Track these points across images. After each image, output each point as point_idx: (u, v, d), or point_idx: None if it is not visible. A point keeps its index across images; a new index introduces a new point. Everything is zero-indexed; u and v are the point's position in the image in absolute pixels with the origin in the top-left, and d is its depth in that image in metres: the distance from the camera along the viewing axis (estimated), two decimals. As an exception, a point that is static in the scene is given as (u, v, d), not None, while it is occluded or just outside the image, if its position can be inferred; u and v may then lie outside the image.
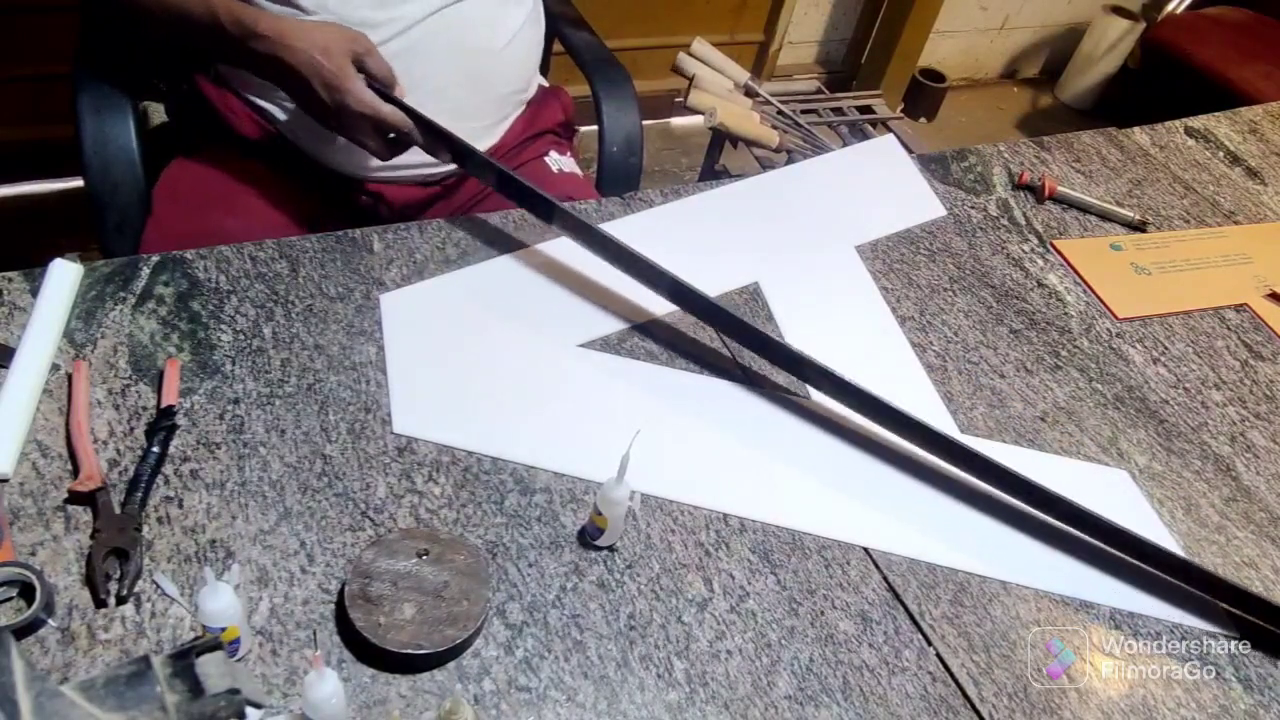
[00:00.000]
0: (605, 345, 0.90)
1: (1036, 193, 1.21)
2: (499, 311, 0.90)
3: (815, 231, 1.09)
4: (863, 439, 0.87)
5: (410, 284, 0.90)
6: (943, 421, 0.90)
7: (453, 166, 1.07)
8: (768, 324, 0.96)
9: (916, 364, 0.96)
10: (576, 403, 0.85)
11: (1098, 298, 1.08)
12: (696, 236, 1.04)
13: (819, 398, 0.90)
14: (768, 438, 0.86)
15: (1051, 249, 1.13)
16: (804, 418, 0.88)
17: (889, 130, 2.21)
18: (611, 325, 0.92)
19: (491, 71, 1.09)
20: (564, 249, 0.96)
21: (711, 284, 0.95)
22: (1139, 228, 1.19)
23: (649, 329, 0.92)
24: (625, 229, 1.01)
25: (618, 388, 0.87)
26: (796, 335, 0.94)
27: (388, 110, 0.91)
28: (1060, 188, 1.21)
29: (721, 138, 1.86)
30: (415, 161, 1.02)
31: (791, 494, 0.82)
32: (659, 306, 0.93)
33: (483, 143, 1.11)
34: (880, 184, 1.18)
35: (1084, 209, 1.20)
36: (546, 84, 1.25)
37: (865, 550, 0.78)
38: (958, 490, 0.85)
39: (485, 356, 0.86)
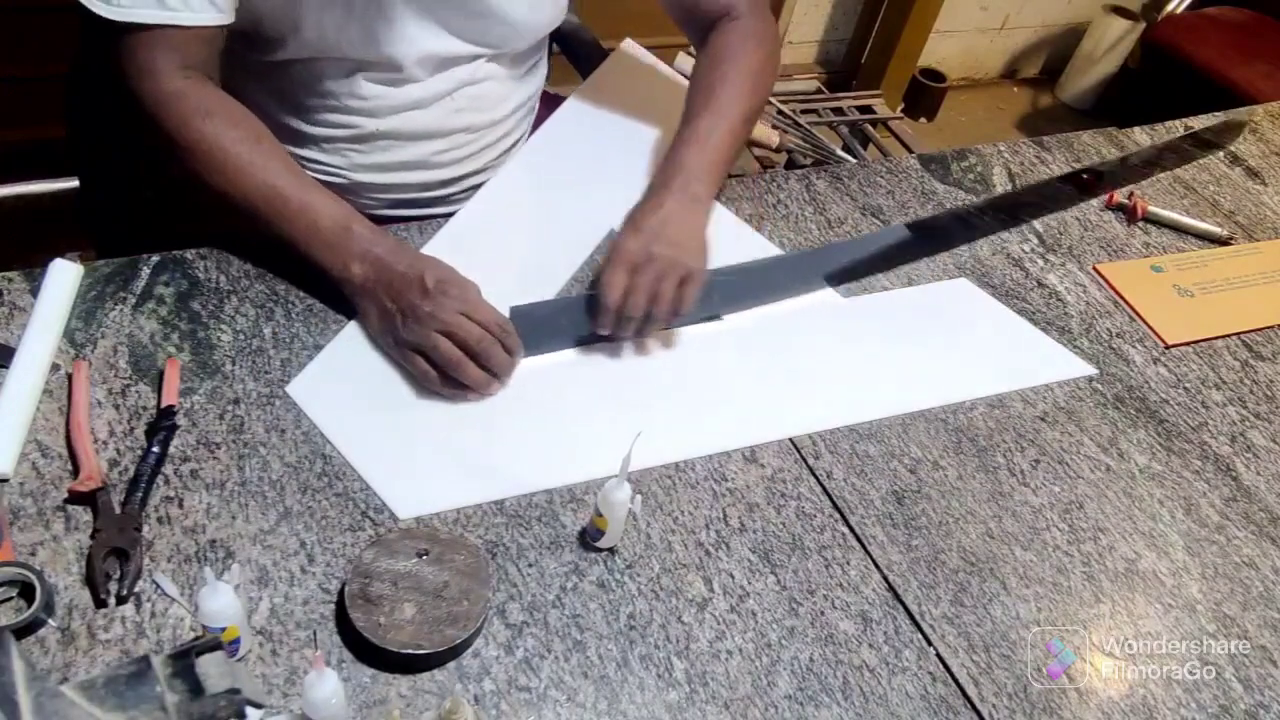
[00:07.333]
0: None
1: (1128, 213, 1.20)
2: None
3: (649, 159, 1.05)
4: (739, 338, 0.93)
5: (311, 360, 0.82)
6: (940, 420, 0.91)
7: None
8: None
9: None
10: (537, 412, 0.82)
11: (1144, 323, 1.06)
12: (546, 190, 1.03)
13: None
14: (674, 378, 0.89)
15: (1094, 273, 1.11)
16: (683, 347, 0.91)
17: (890, 131, 2.21)
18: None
19: (497, 140, 1.07)
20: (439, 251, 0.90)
21: (577, 238, 0.98)
22: (1225, 242, 1.19)
23: None
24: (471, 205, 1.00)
25: (551, 384, 0.85)
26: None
27: (492, 312, 0.82)
28: (1152, 208, 1.19)
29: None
30: (412, 182, 1.03)
31: (694, 421, 0.85)
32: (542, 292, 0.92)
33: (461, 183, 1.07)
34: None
35: (1177, 229, 1.20)
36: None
37: (792, 443, 0.83)
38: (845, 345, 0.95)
39: (425, 405, 0.81)
